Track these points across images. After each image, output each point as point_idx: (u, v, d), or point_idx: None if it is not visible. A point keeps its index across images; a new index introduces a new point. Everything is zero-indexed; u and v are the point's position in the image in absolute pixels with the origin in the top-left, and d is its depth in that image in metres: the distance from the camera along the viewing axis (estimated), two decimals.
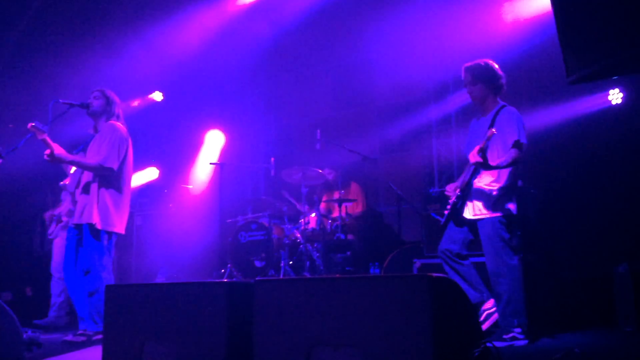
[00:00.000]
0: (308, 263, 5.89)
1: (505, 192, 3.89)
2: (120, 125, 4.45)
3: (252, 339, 2.32)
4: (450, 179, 6.39)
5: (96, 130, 4.51)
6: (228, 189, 7.59)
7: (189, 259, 7.37)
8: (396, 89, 7.13)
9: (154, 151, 8.12)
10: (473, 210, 3.94)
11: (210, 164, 7.43)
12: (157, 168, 8.13)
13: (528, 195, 5.29)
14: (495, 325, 3.86)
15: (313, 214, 6.29)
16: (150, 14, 6.87)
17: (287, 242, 6.11)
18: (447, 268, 3.98)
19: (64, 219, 5.64)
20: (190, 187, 7.95)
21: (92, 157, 4.32)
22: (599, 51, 3.01)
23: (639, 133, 5.40)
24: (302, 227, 6.06)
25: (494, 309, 3.87)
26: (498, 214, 3.83)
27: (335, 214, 6.32)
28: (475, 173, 3.92)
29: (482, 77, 3.96)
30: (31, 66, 6.84)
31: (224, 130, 8.37)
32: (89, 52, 6.82)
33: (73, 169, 4.54)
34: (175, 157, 8.33)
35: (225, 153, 8.28)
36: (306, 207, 6.24)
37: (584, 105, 5.71)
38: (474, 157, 3.67)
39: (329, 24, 7.20)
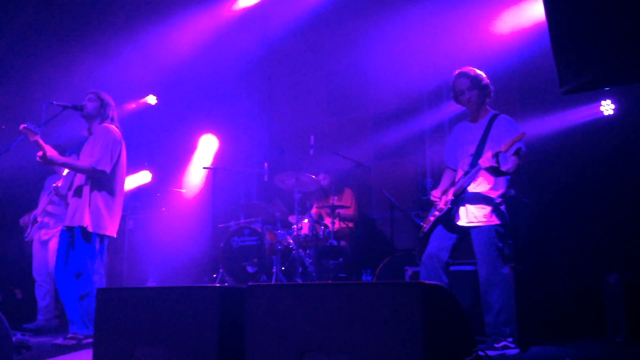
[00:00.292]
0: (300, 269, 5.88)
1: (504, 200, 3.90)
2: (114, 128, 4.43)
3: (244, 345, 2.31)
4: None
5: (90, 133, 4.49)
6: (221, 194, 7.58)
7: (181, 263, 7.34)
8: (390, 96, 7.15)
9: (147, 154, 8.10)
10: (467, 217, 3.88)
11: (204, 168, 7.42)
12: (150, 171, 8.11)
13: (520, 204, 5.31)
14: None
15: (306, 220, 6.29)
16: (144, 18, 6.87)
17: (279, 247, 6.10)
18: (427, 275, 3.88)
19: (39, 219, 5.61)
20: (183, 191, 7.93)
21: (85, 159, 4.30)
22: (591, 62, 3.04)
23: (630, 144, 5.45)
24: (295, 233, 6.06)
25: None
26: (497, 222, 3.81)
27: (328, 220, 6.32)
28: (472, 178, 3.85)
29: (478, 83, 3.99)
30: (25, 68, 6.82)
31: (218, 135, 8.37)
32: (83, 55, 6.81)
33: (66, 171, 4.52)
34: (169, 161, 8.31)
35: (218, 158, 8.27)
36: (297, 214, 6.24)
37: (575, 116, 5.75)
38: (488, 160, 3.62)
39: (323, 30, 7.23)
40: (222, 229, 6.86)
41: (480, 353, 2.29)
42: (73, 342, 4.16)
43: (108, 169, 4.26)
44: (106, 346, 2.73)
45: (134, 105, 8.03)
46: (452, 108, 6.47)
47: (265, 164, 6.48)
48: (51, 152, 4.15)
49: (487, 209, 3.82)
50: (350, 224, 6.50)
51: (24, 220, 5.81)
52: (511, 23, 5.96)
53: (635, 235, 5.09)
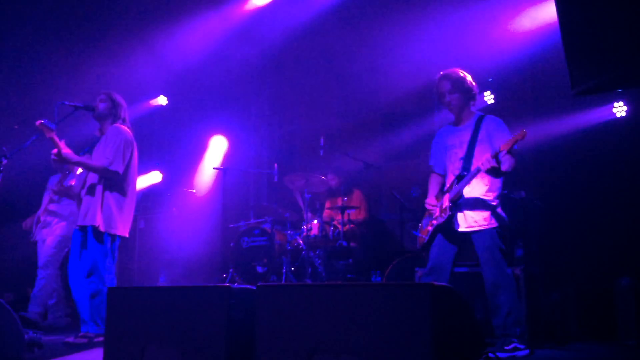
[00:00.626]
0: (310, 269, 5.89)
1: (500, 201, 3.86)
2: (125, 128, 4.47)
3: (254, 345, 2.32)
4: None
5: (102, 133, 4.52)
6: (231, 194, 7.60)
7: (191, 263, 7.37)
8: (400, 96, 7.14)
9: (157, 155, 8.14)
10: (466, 222, 3.82)
11: (214, 169, 7.44)
12: (161, 172, 8.15)
13: (531, 206, 5.29)
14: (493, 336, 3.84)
15: (315, 221, 6.30)
16: (155, 20, 6.90)
17: (289, 248, 6.11)
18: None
19: (42, 218, 5.65)
20: (194, 191, 7.96)
21: (97, 159, 4.33)
22: (603, 63, 3.03)
23: None
24: (305, 234, 6.06)
25: None
26: (496, 225, 3.78)
27: (337, 221, 6.32)
28: (467, 182, 3.77)
29: (460, 86, 3.92)
30: (37, 69, 6.88)
31: (228, 136, 8.39)
32: (95, 56, 6.85)
33: (79, 170, 4.56)
34: (179, 161, 8.35)
35: (229, 158, 8.29)
36: (309, 213, 6.25)
37: (588, 118, 5.72)
38: (488, 162, 3.55)
39: (334, 31, 7.23)
40: (232, 229, 6.88)
41: (490, 355, 2.28)
42: (84, 340, 4.19)
43: (121, 170, 4.30)
44: (116, 345, 2.75)
45: (145, 106, 8.07)
46: None
47: (275, 164, 6.49)
48: (66, 150, 4.18)
49: (486, 212, 3.77)
50: (360, 225, 6.50)
51: (27, 223, 5.84)
52: (523, 24, 5.92)
53: None
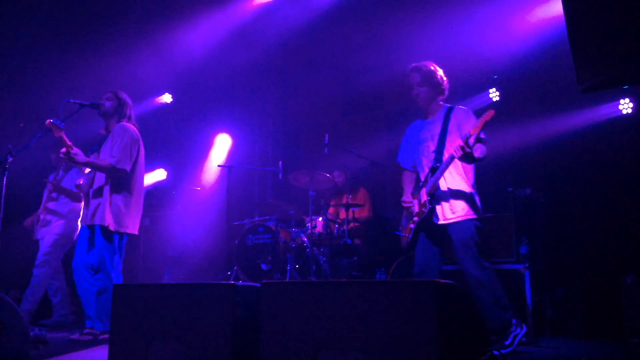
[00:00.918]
0: (314, 267, 5.88)
1: (476, 192, 3.80)
2: (132, 126, 4.47)
3: (258, 342, 2.32)
4: None
5: (108, 131, 4.53)
6: (236, 192, 7.61)
7: (196, 261, 7.38)
8: (405, 94, 7.11)
9: (162, 152, 8.15)
10: (444, 214, 3.75)
11: (218, 166, 7.45)
12: (165, 169, 8.16)
13: (536, 203, 5.28)
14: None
15: (320, 218, 6.29)
16: (160, 18, 6.91)
17: (293, 245, 6.11)
18: None
19: (41, 217, 5.65)
20: (198, 189, 7.97)
21: (104, 158, 4.34)
22: (610, 60, 3.01)
23: None
24: (309, 231, 6.06)
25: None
26: (474, 215, 3.71)
27: (343, 217, 6.32)
28: (442, 172, 3.69)
29: (430, 79, 3.89)
30: (42, 67, 6.90)
31: (233, 133, 8.39)
32: (100, 54, 6.86)
33: (88, 169, 4.58)
34: (184, 159, 8.35)
35: (233, 156, 8.30)
36: (312, 212, 6.24)
37: (594, 115, 5.70)
38: (460, 149, 3.46)
39: (338, 29, 7.22)
40: (236, 227, 6.88)
41: (495, 352, 2.27)
42: (89, 337, 4.20)
43: (128, 168, 4.31)
44: (122, 342, 2.76)
45: (149, 104, 8.08)
46: (469, 107, 6.42)
47: (280, 162, 6.49)
48: (75, 150, 4.19)
49: (463, 202, 3.71)
50: (364, 222, 6.49)
51: (28, 222, 5.82)
52: (529, 21, 5.90)
53: None
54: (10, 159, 4.16)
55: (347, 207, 6.06)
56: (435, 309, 1.95)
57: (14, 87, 6.93)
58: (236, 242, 6.41)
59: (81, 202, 5.51)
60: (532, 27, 5.83)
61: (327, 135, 6.04)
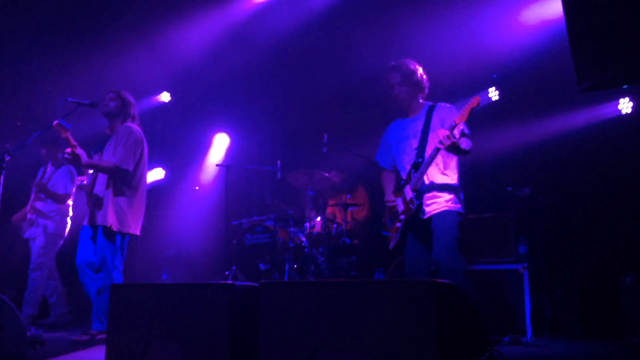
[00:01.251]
0: (313, 267, 5.88)
1: (460, 187, 3.76)
2: (136, 127, 4.49)
3: (257, 342, 2.32)
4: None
5: (112, 131, 4.54)
6: (234, 192, 7.60)
7: (194, 260, 7.37)
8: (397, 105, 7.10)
9: (160, 152, 8.13)
10: (428, 207, 3.67)
11: (216, 165, 7.44)
12: (164, 169, 8.15)
13: (536, 203, 5.27)
14: None
15: (318, 218, 6.28)
16: (158, 16, 6.90)
17: (292, 245, 6.10)
18: None
19: (29, 216, 5.58)
20: (197, 188, 7.96)
21: (108, 158, 4.35)
22: (610, 60, 3.01)
23: None
24: (307, 231, 6.05)
25: None
26: (457, 207, 3.65)
27: (341, 218, 6.31)
28: (428, 166, 3.59)
29: (410, 78, 3.83)
30: (40, 66, 6.88)
31: (231, 133, 8.38)
32: (98, 53, 6.85)
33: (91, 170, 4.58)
34: (182, 158, 8.34)
35: (232, 155, 8.29)
36: (312, 210, 6.23)
37: (593, 114, 5.70)
38: (448, 138, 3.35)
39: (336, 28, 7.20)
40: (234, 227, 6.87)
41: (495, 353, 2.26)
42: (87, 337, 4.19)
43: (131, 168, 4.32)
44: (119, 342, 2.75)
45: (147, 103, 8.06)
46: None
47: (279, 161, 6.48)
48: (79, 151, 4.18)
49: (447, 194, 3.65)
50: (363, 222, 6.49)
51: (16, 218, 5.74)
52: (529, 20, 5.89)
53: None
54: (7, 158, 4.16)
55: (346, 206, 6.06)
56: (433, 309, 1.95)
57: (11, 86, 6.92)
58: (234, 241, 6.40)
59: (65, 203, 5.49)
60: (532, 26, 5.83)
61: (325, 135, 6.03)
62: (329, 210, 6.68)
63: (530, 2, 5.87)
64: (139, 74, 6.98)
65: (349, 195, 6.35)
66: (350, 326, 2.11)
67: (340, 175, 6.72)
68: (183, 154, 8.36)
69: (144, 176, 4.50)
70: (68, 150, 4.14)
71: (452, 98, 6.74)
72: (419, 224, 3.68)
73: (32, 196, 5.61)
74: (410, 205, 3.65)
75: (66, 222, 5.53)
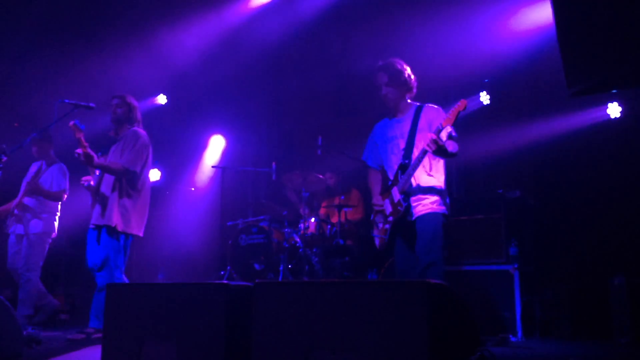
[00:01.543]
0: (307, 267, 5.91)
1: (446, 189, 3.74)
2: (143, 131, 4.60)
3: (251, 341, 2.35)
4: (449, 187, 6.42)
5: (117, 134, 4.64)
6: (229, 192, 7.63)
7: (189, 261, 7.39)
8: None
9: (156, 153, 8.13)
10: (416, 209, 3.64)
11: (212, 167, 7.46)
12: (159, 170, 8.17)
13: (526, 205, 5.33)
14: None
15: (313, 219, 6.32)
16: (155, 19, 6.91)
17: (286, 246, 6.13)
18: None
19: (16, 211, 5.48)
20: (192, 189, 7.98)
21: (115, 160, 4.43)
22: (599, 64, 3.06)
23: (636, 146, 5.44)
24: (302, 232, 6.09)
25: None
26: (442, 209, 3.63)
27: (335, 219, 6.35)
28: (415, 168, 3.57)
29: (397, 79, 3.79)
30: (36, 67, 6.88)
31: (227, 134, 8.40)
32: (94, 54, 6.85)
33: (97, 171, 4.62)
34: (178, 160, 8.36)
35: (227, 157, 8.31)
36: (307, 211, 6.27)
37: (582, 118, 5.75)
38: (434, 142, 3.34)
39: (331, 30, 7.25)
40: (230, 227, 6.90)
41: (485, 353, 2.31)
42: (82, 336, 4.23)
43: (138, 170, 4.43)
44: (115, 341, 2.77)
45: (144, 105, 8.07)
46: None
47: (274, 163, 6.51)
48: (90, 152, 4.24)
49: (433, 196, 3.63)
50: (357, 224, 6.53)
51: (3, 209, 5.58)
52: (519, 25, 5.95)
53: None
54: (4, 159, 4.16)
55: (340, 208, 6.10)
56: (425, 309, 1.98)
57: (8, 87, 6.91)
58: (229, 242, 6.43)
59: (60, 200, 5.47)
60: (522, 31, 5.88)
61: (320, 137, 6.07)
62: (321, 211, 6.72)
63: (521, 8, 5.93)
64: (136, 77, 6.99)
65: (342, 197, 6.39)
66: (343, 326, 2.14)
67: (336, 177, 6.77)
68: (179, 156, 8.37)
69: (148, 179, 4.60)
70: (79, 150, 4.20)
71: (444, 102, 6.77)
72: (406, 226, 3.66)
73: (21, 193, 5.53)
74: (399, 208, 3.64)
75: (54, 220, 5.48)
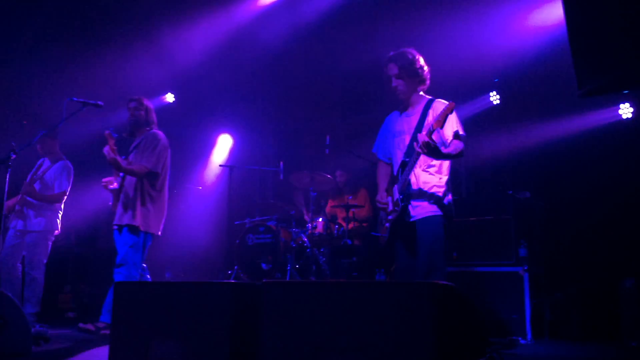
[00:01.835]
0: (314, 267, 5.91)
1: (448, 188, 3.56)
2: (162, 133, 4.71)
3: (258, 341, 2.34)
4: (458, 188, 6.40)
5: (132, 136, 4.73)
6: (237, 192, 7.63)
7: (197, 260, 7.40)
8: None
9: None
10: (414, 211, 3.50)
11: (220, 166, 7.47)
12: None
13: (536, 207, 5.30)
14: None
15: (320, 219, 6.32)
16: (162, 18, 6.93)
17: (294, 245, 6.13)
18: None
19: (17, 207, 5.39)
20: (200, 188, 7.99)
21: (137, 163, 4.49)
22: (610, 64, 3.03)
23: None
24: (309, 232, 6.08)
25: None
26: (440, 213, 3.45)
27: (341, 218, 6.34)
28: (412, 168, 3.45)
29: (408, 70, 3.60)
30: (45, 66, 6.92)
31: (235, 134, 8.41)
32: (103, 54, 6.87)
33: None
34: (186, 159, 8.37)
35: (235, 156, 8.32)
36: (311, 215, 6.27)
37: (593, 119, 5.71)
38: (425, 146, 3.18)
39: (339, 30, 7.23)
40: (237, 227, 6.91)
41: (494, 355, 2.29)
42: (92, 327, 4.29)
43: (159, 171, 4.55)
44: (122, 339, 2.78)
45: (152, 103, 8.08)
46: (470, 108, 6.45)
47: (281, 162, 6.51)
48: (119, 158, 4.34)
49: (433, 198, 3.47)
50: (364, 224, 6.52)
51: (10, 204, 5.41)
52: (530, 25, 5.91)
53: None
54: (13, 156, 4.18)
55: (347, 207, 6.08)
56: (433, 310, 1.97)
57: (17, 86, 6.95)
58: (237, 241, 6.43)
59: (59, 203, 5.40)
60: (533, 31, 5.84)
61: (328, 136, 6.06)
62: (328, 209, 6.73)
63: (532, 7, 5.89)
64: (144, 75, 7.01)
65: (350, 196, 6.38)
66: (350, 326, 2.13)
67: (344, 175, 6.77)
68: (187, 155, 8.39)
69: (167, 181, 4.70)
70: (107, 150, 4.28)
71: (454, 101, 6.77)
72: (405, 226, 3.54)
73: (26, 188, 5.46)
74: (396, 207, 3.55)
75: (57, 218, 5.43)
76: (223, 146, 8.43)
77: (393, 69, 3.64)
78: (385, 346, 2.04)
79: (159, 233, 4.59)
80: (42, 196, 5.29)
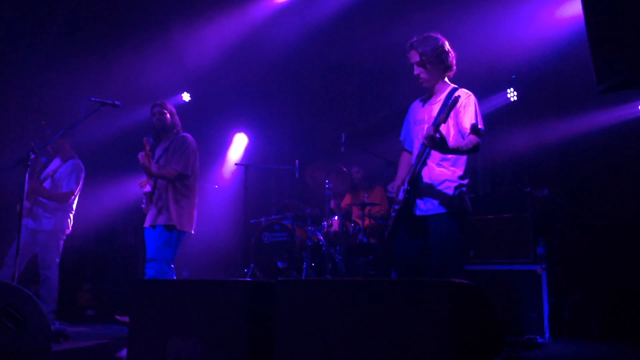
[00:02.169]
0: (330, 265, 5.90)
1: (464, 184, 3.38)
2: (190, 136, 4.82)
3: (274, 338, 2.35)
4: (475, 186, 6.35)
5: (159, 140, 4.82)
6: (253, 190, 7.66)
7: (213, 258, 7.44)
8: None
9: None
10: (425, 205, 3.35)
11: (236, 164, 7.50)
12: None
13: (554, 204, 5.24)
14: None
15: (336, 217, 6.31)
16: (178, 18, 6.97)
17: (309, 244, 6.14)
18: None
19: (26, 204, 5.34)
20: (216, 187, 8.03)
21: (168, 166, 4.59)
22: (630, 60, 2.98)
23: None
24: (325, 230, 6.08)
25: None
26: (456, 209, 3.31)
27: (356, 215, 6.33)
28: (424, 160, 3.35)
29: (433, 56, 3.41)
30: (64, 67, 7.00)
31: (250, 132, 8.44)
32: (119, 54, 6.95)
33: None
34: (201, 157, 8.41)
35: (250, 154, 8.35)
36: (328, 211, 6.27)
37: (613, 115, 5.63)
38: (430, 139, 3.05)
39: (355, 28, 7.21)
40: (253, 225, 6.93)
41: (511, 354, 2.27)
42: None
43: (189, 173, 4.65)
44: (140, 336, 2.80)
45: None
46: (487, 105, 6.39)
47: (297, 161, 6.51)
48: (150, 165, 4.44)
49: (444, 194, 3.31)
50: (379, 220, 6.51)
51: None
52: (547, 20, 5.84)
53: None
54: (32, 156, 4.23)
55: (363, 205, 6.07)
56: (448, 309, 1.96)
57: (37, 86, 7.04)
58: (253, 239, 6.46)
59: (67, 202, 5.38)
60: (551, 26, 5.78)
61: (343, 134, 6.06)
62: (343, 205, 6.73)
63: (550, 3, 5.82)
64: (160, 75, 7.07)
65: (366, 195, 6.37)
66: (366, 325, 2.13)
67: (360, 171, 6.77)
68: (203, 153, 8.40)
69: (197, 181, 4.81)
70: (142, 155, 4.39)
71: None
72: (411, 219, 3.40)
73: (34, 186, 5.44)
74: (401, 198, 3.41)
75: (68, 218, 5.43)
76: (239, 145, 8.46)
77: (414, 56, 3.47)
78: (401, 345, 2.03)
79: (193, 231, 4.66)
80: (49, 194, 5.28)
